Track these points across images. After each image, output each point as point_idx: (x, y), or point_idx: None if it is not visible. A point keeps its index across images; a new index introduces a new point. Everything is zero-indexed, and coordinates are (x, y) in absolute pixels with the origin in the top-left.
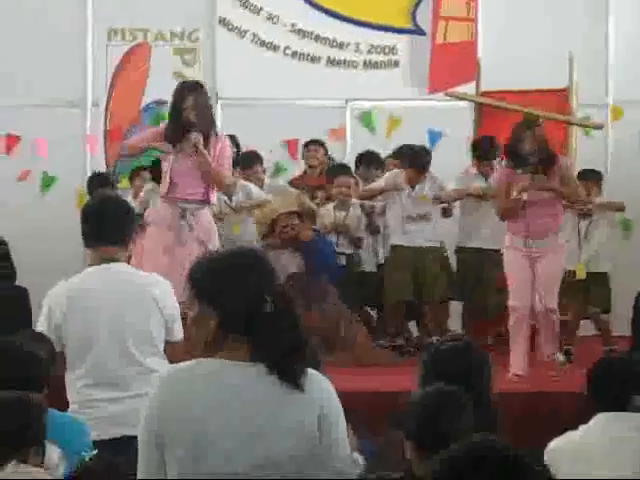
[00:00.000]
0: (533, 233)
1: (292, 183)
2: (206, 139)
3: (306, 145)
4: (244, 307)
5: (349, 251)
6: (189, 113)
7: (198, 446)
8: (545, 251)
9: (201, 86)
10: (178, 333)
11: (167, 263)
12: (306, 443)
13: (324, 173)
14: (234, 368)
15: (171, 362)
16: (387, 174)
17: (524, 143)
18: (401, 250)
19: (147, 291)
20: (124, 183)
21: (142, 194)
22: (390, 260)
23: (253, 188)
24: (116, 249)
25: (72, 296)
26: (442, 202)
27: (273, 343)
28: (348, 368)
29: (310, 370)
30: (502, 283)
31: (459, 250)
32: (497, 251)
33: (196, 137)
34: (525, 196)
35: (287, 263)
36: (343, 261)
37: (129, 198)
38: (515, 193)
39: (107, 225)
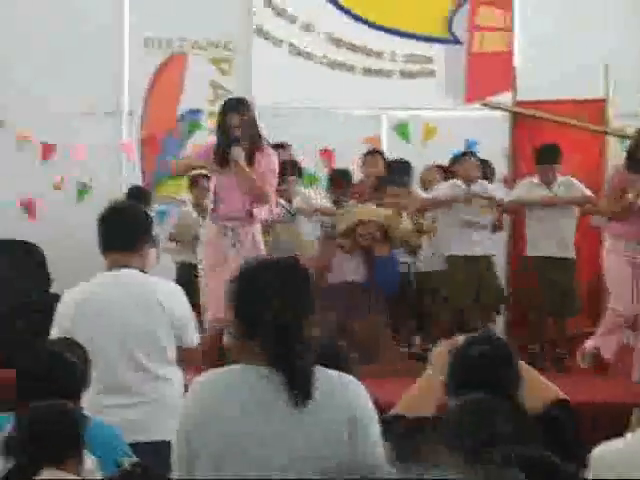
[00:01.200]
0: (637, 237)
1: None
2: (251, 154)
3: (365, 155)
4: (263, 317)
5: (407, 260)
6: (234, 130)
7: (227, 449)
8: None
9: (245, 102)
10: (191, 339)
11: (212, 282)
12: (333, 445)
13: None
14: (258, 374)
15: (185, 368)
16: (445, 184)
17: None
18: (459, 259)
19: (153, 297)
20: (161, 191)
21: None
22: (450, 270)
23: (312, 194)
24: (126, 255)
25: (79, 302)
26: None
27: (284, 353)
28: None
29: (341, 374)
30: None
31: (528, 259)
32: (566, 259)
33: (236, 153)
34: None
35: (350, 269)
36: (405, 269)
37: (189, 207)
38: (631, 196)
39: (116, 232)
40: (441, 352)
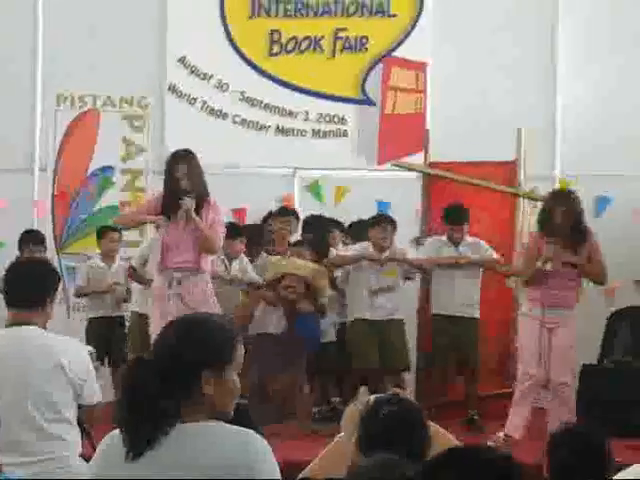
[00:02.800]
0: (551, 304)
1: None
2: (199, 205)
3: (277, 214)
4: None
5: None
6: (182, 181)
7: None
8: (561, 323)
9: (191, 154)
10: (91, 397)
11: None
12: None
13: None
14: None
15: (86, 426)
16: (356, 245)
17: (556, 213)
18: (364, 323)
19: (53, 356)
20: (73, 247)
21: (143, 249)
22: (353, 332)
23: (249, 267)
24: (29, 313)
25: None
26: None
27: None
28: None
29: (240, 430)
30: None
31: (433, 317)
32: (470, 319)
33: (187, 203)
34: (549, 266)
35: (270, 322)
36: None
37: (97, 259)
38: (540, 263)
39: (20, 288)
40: (352, 414)
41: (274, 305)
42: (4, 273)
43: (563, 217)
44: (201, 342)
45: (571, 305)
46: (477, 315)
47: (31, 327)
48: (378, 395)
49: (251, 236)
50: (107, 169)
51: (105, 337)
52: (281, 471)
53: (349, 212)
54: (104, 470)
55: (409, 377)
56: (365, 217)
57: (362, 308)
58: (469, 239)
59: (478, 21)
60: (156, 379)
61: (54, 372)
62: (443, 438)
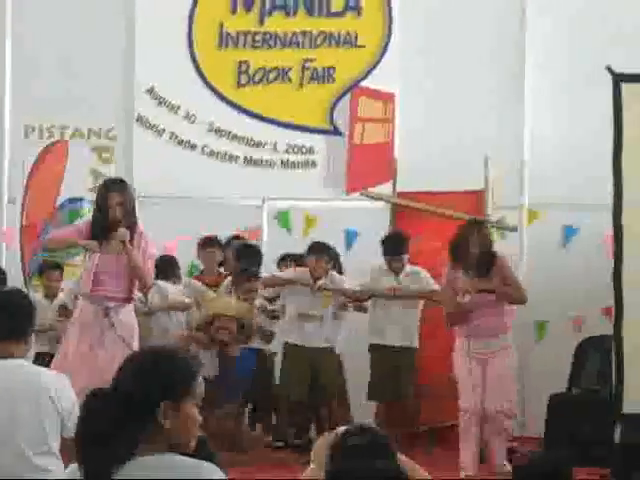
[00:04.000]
0: (478, 335)
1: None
2: (131, 236)
3: (202, 245)
4: None
5: (260, 347)
6: (115, 210)
7: None
8: (494, 353)
9: (124, 183)
10: (73, 429)
11: (88, 363)
12: None
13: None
14: None
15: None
16: (290, 269)
17: (469, 244)
18: (296, 349)
19: (43, 389)
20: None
21: (71, 286)
22: (285, 359)
23: (170, 288)
24: (12, 344)
25: None
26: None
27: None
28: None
29: (193, 461)
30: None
31: (371, 347)
32: (407, 349)
33: (123, 234)
34: (466, 298)
35: (205, 365)
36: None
37: (39, 295)
38: (459, 297)
39: (3, 321)
40: (321, 445)
41: (208, 348)
42: None
43: (476, 245)
44: (158, 375)
45: (500, 332)
46: (415, 345)
47: (16, 360)
48: (346, 427)
49: (165, 267)
50: (75, 200)
51: None
52: None
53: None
54: None
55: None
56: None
57: (292, 332)
58: (409, 269)
59: (446, 52)
60: (112, 412)
61: (45, 405)
62: (412, 472)
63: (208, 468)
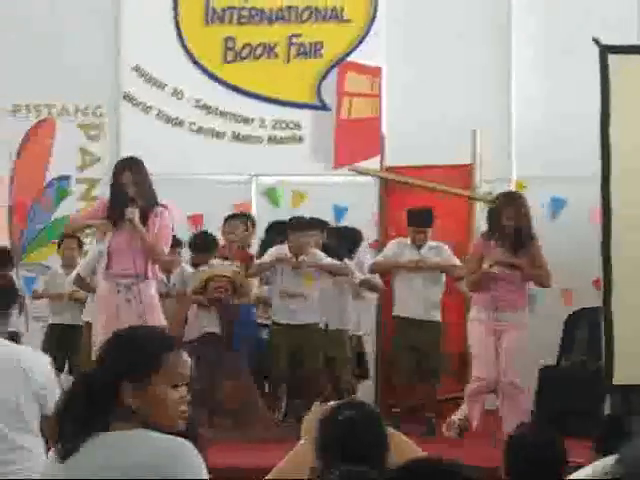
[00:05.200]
0: (499, 307)
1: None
2: (145, 214)
3: (226, 220)
4: None
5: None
6: (127, 189)
7: None
8: (510, 326)
9: (137, 161)
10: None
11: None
12: None
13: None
14: None
15: (45, 436)
16: (272, 249)
17: (503, 216)
18: (281, 327)
19: (18, 365)
20: (31, 257)
21: (89, 259)
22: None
23: (190, 275)
24: None
25: None
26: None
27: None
28: (254, 444)
29: (163, 436)
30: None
31: (395, 319)
32: (431, 322)
33: (131, 212)
34: (496, 270)
35: (207, 323)
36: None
37: (57, 267)
38: (486, 266)
39: None
40: (311, 419)
41: (206, 307)
42: None
43: (510, 218)
44: (120, 353)
45: (519, 307)
46: (438, 318)
47: None
48: (337, 401)
49: (198, 245)
50: (63, 179)
51: (64, 344)
52: (244, 477)
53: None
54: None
55: (369, 383)
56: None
57: (277, 311)
58: (432, 243)
59: (433, 26)
60: (83, 392)
61: (21, 383)
62: (403, 445)
63: (182, 446)
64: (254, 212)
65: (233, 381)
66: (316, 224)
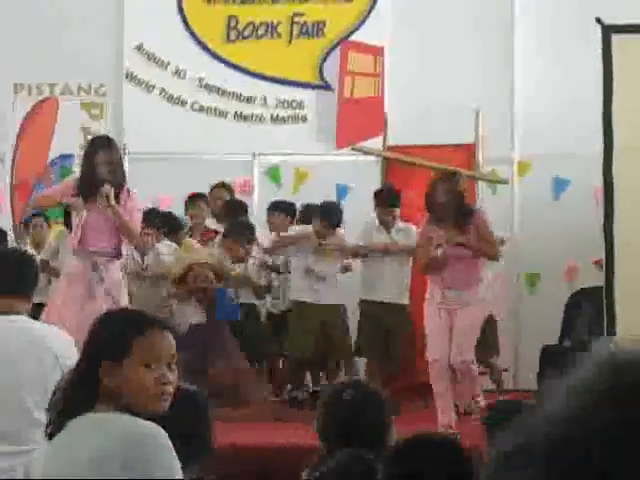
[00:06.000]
0: (451, 286)
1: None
2: (117, 194)
3: (189, 199)
4: None
5: (252, 301)
6: (101, 168)
7: None
8: (463, 303)
9: (112, 141)
10: None
11: (75, 317)
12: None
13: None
14: None
15: None
16: (297, 227)
17: (437, 194)
18: (304, 306)
19: (47, 346)
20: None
21: (51, 241)
22: (293, 315)
23: (166, 256)
24: (15, 300)
25: None
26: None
27: None
28: (250, 423)
29: (137, 421)
30: (406, 336)
31: (362, 303)
32: (399, 305)
33: (107, 190)
34: (439, 252)
35: (191, 314)
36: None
37: (27, 247)
38: (432, 248)
39: (7, 276)
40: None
41: (186, 300)
42: None
43: (443, 194)
44: (96, 335)
45: (471, 285)
46: (405, 301)
47: (19, 316)
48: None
49: (169, 225)
50: (66, 157)
51: None
52: (248, 456)
53: (309, 197)
54: None
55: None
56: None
57: (301, 290)
58: (401, 224)
59: (436, 5)
60: (71, 372)
61: (51, 363)
62: None
63: (151, 431)
64: (256, 191)
65: (224, 362)
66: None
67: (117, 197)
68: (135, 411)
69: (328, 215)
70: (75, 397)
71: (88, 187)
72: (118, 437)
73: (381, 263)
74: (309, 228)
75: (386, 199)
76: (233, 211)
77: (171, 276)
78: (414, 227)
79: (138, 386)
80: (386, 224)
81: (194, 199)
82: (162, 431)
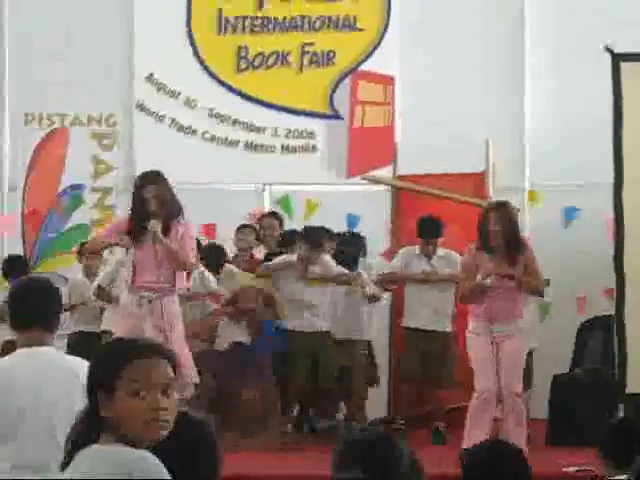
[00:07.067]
0: (495, 318)
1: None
2: (168, 226)
3: (238, 229)
4: None
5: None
6: (150, 203)
7: None
8: (507, 336)
9: (160, 175)
10: None
11: None
12: None
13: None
14: None
15: None
16: (283, 256)
17: (489, 222)
18: (294, 335)
19: (76, 377)
20: (44, 267)
21: (107, 269)
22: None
23: (210, 277)
24: (43, 332)
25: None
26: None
27: None
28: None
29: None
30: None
31: (405, 330)
32: (438, 332)
33: (153, 225)
34: (489, 281)
35: (236, 333)
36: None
37: (79, 275)
38: (479, 277)
39: (36, 308)
40: None
41: (235, 319)
42: (13, 291)
43: (497, 224)
44: (91, 367)
45: (515, 317)
46: (449, 329)
47: (47, 347)
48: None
49: (211, 254)
50: (77, 187)
51: (85, 352)
52: None
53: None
54: None
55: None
56: (334, 230)
57: (291, 319)
58: (441, 252)
59: (446, 34)
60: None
61: (78, 393)
62: None
63: (144, 462)
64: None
65: (254, 390)
66: (327, 235)
67: (169, 229)
68: (133, 440)
69: (310, 238)
70: (81, 430)
71: (138, 223)
72: (106, 462)
73: (422, 291)
74: (293, 257)
75: (429, 229)
76: (290, 241)
77: (221, 299)
78: (456, 254)
79: (127, 415)
80: (427, 252)
81: (241, 228)
82: (151, 455)
